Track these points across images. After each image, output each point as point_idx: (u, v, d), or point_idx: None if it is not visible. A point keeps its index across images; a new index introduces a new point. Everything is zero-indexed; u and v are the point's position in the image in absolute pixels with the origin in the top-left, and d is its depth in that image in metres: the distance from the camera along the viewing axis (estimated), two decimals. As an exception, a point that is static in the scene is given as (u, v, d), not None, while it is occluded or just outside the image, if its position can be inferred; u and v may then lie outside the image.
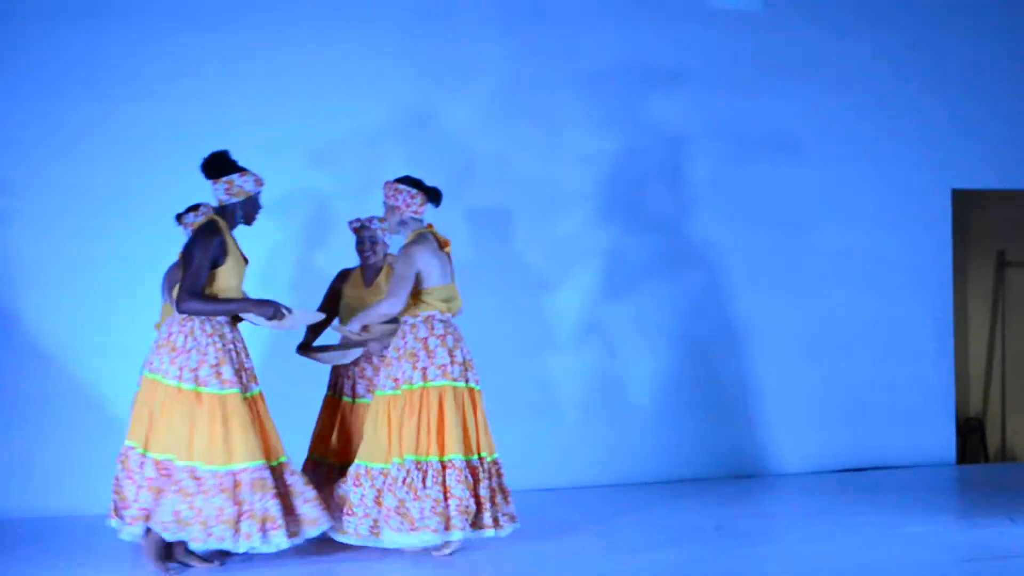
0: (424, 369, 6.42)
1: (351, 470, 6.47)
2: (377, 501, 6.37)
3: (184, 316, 6.12)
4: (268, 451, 6.14)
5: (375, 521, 6.36)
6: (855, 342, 9.14)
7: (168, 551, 6.16)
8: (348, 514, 6.39)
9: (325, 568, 6.33)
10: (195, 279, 6.05)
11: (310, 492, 6.23)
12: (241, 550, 6.04)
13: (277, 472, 6.16)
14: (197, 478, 5.99)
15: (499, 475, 6.55)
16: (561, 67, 8.51)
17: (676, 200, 8.77)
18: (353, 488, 6.42)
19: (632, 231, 8.68)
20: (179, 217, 6.39)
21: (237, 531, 5.97)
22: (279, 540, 6.05)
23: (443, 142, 8.25)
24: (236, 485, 5.99)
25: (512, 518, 6.54)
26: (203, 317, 6.11)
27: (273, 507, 6.04)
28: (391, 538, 6.33)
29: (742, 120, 8.89)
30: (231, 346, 6.15)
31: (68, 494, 7.53)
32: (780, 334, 8.98)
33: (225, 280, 6.14)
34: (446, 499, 6.33)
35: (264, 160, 6.40)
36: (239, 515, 5.98)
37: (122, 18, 7.75)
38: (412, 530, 6.30)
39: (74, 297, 7.68)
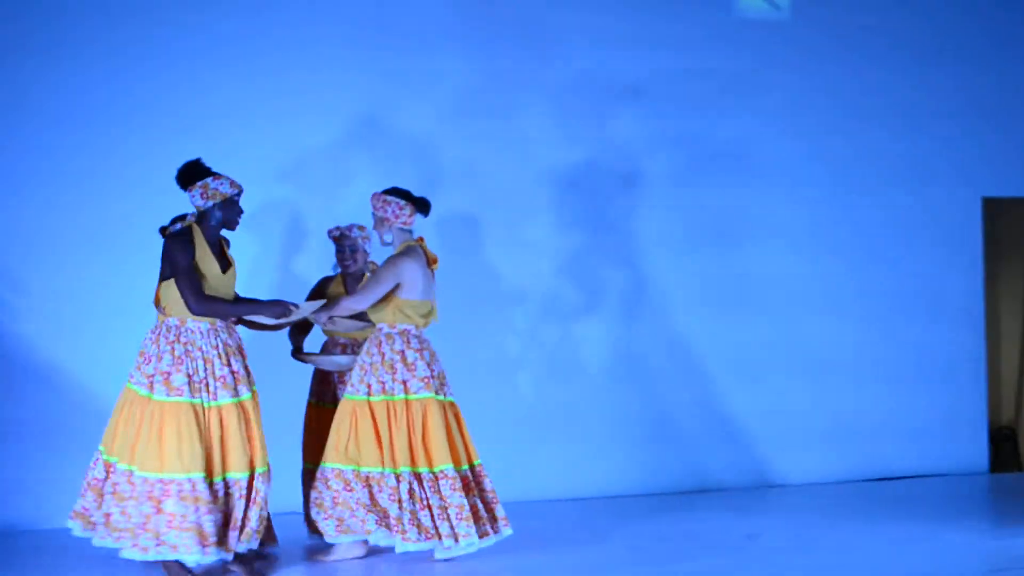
0: (405, 381, 6.49)
1: (337, 474, 6.45)
2: (373, 501, 6.43)
3: (157, 323, 6.17)
4: (223, 464, 6.08)
5: (378, 518, 6.41)
6: (887, 350, 9.11)
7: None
8: (352, 517, 6.44)
9: (327, 569, 6.37)
10: (192, 282, 6.06)
11: (247, 511, 6.13)
12: (180, 559, 5.99)
13: (227, 485, 6.10)
14: (132, 483, 6.01)
15: (483, 478, 6.64)
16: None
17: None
18: (345, 492, 6.44)
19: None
20: (163, 230, 6.37)
21: (162, 542, 5.93)
22: (210, 555, 5.98)
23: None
24: (164, 495, 5.95)
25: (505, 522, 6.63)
26: (170, 324, 6.11)
27: (208, 522, 5.96)
28: (403, 547, 6.40)
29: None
30: (198, 353, 6.11)
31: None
32: (806, 341, 8.95)
33: None
34: (445, 509, 6.41)
35: (234, 176, 6.34)
36: (168, 525, 5.92)
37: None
38: (428, 539, 6.39)
39: (74, 309, 7.68)
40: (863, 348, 9.06)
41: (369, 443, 6.45)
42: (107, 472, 6.13)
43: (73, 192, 7.71)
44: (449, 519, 6.40)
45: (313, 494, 6.51)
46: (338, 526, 6.44)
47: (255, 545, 6.18)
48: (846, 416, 8.99)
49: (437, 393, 6.52)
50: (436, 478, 6.44)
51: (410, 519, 6.37)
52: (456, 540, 6.40)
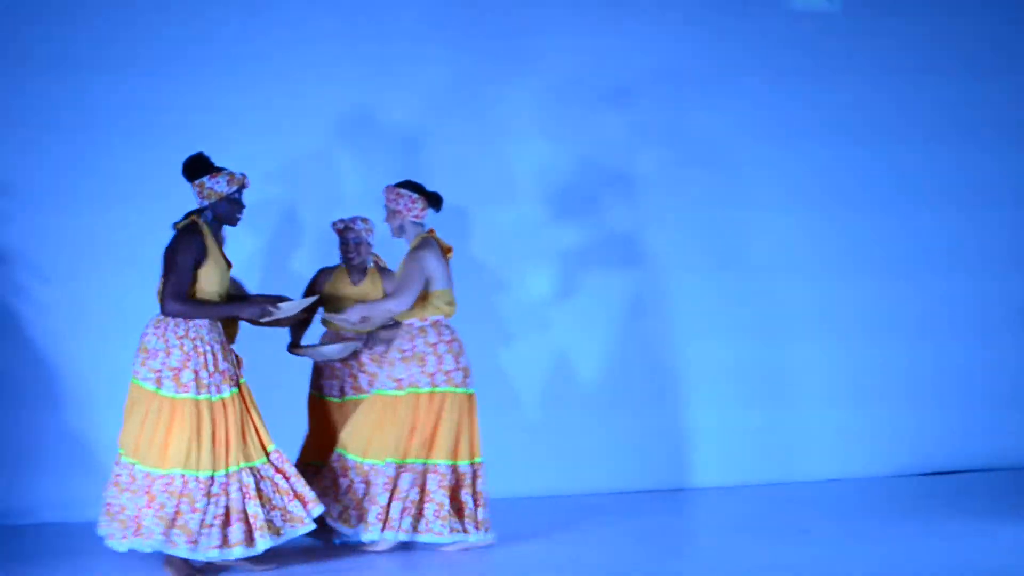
0: (432, 374, 6.58)
1: (359, 465, 6.55)
2: (368, 496, 6.52)
3: (159, 318, 6.11)
4: (225, 458, 6.09)
5: (359, 514, 6.52)
6: (937, 343, 9.09)
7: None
8: (354, 508, 6.53)
9: (328, 569, 6.40)
10: (180, 281, 6.03)
11: (245, 505, 6.12)
12: (171, 552, 5.98)
13: (227, 479, 6.08)
14: (133, 476, 6.04)
15: (478, 478, 6.68)
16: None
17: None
18: (341, 478, 6.56)
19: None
20: (176, 226, 6.40)
21: (142, 532, 5.94)
22: (202, 554, 5.99)
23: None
24: (162, 489, 5.97)
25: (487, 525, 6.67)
26: (178, 319, 6.08)
27: (192, 520, 5.98)
28: (385, 536, 6.50)
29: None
30: (207, 347, 6.08)
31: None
32: (854, 326, 8.95)
33: (205, 283, 6.10)
34: (422, 504, 6.50)
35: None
36: (168, 519, 5.95)
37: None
38: (404, 531, 6.50)
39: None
40: (915, 340, 9.07)
41: (381, 437, 6.53)
42: (117, 464, 6.15)
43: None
44: (423, 515, 6.49)
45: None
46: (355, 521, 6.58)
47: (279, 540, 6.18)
48: (894, 411, 8.97)
49: (459, 386, 6.61)
50: (426, 471, 6.53)
51: (401, 510, 6.46)
52: (418, 533, 6.47)
